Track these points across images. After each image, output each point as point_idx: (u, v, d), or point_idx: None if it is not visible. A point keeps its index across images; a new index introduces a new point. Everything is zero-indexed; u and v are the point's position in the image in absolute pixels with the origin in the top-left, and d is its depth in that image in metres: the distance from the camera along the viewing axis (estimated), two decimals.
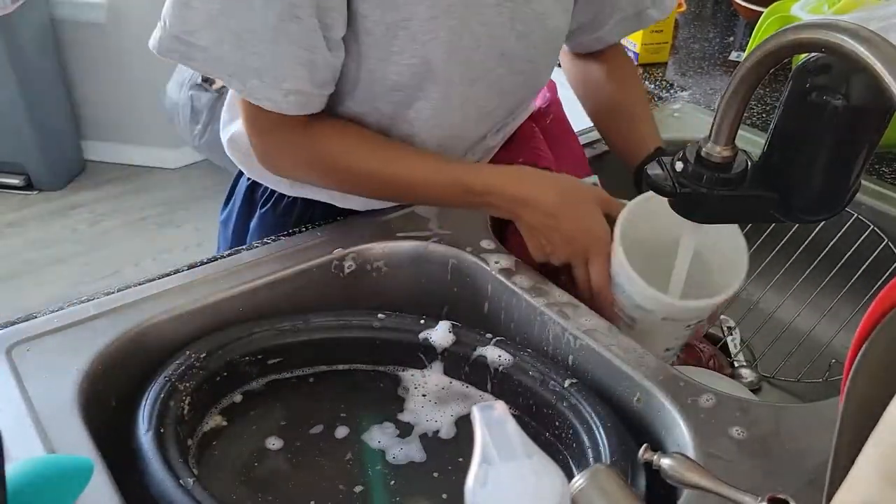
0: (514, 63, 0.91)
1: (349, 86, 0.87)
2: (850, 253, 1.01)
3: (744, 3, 1.56)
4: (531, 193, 0.85)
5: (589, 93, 1.07)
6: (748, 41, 1.25)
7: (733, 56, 1.49)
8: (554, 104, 1.11)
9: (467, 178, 0.87)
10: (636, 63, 1.45)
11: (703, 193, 0.69)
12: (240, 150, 0.99)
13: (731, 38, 1.59)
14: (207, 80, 1.12)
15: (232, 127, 0.99)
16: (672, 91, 1.36)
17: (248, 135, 0.89)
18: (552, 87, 1.12)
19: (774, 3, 1.24)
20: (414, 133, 0.92)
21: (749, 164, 0.69)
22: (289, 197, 1.00)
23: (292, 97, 0.82)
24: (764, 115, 1.26)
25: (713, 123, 0.67)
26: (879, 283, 0.97)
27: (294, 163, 0.91)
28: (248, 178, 1.04)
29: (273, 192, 1.01)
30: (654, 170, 0.71)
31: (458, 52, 0.86)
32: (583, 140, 1.13)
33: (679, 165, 0.69)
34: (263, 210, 1.02)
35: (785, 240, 1.05)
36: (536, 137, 1.04)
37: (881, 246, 1.00)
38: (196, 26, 0.78)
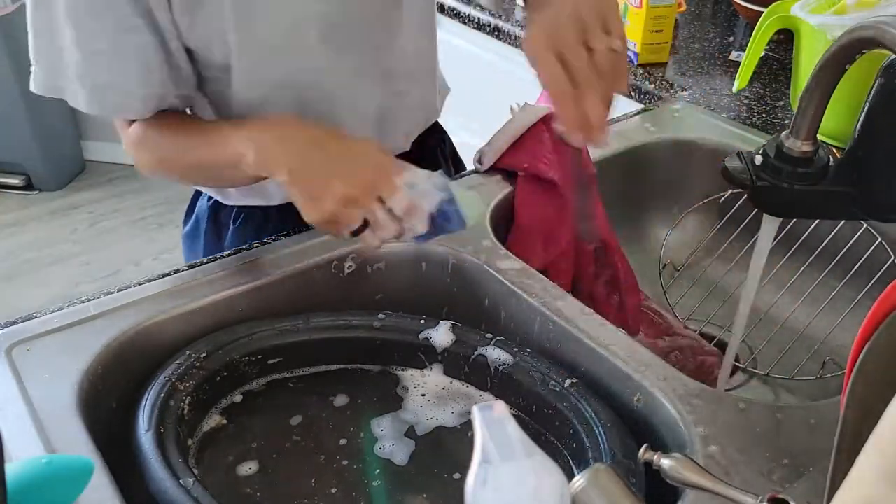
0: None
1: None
2: (844, 251, 1.02)
3: (744, 3, 1.56)
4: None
5: None
6: (748, 41, 1.25)
7: (733, 56, 1.49)
8: None
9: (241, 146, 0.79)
10: (636, 63, 1.45)
11: (781, 187, 0.68)
12: None
13: (731, 38, 1.59)
14: None
15: None
16: (672, 91, 1.36)
17: (124, 144, 0.89)
18: None
19: (774, 3, 1.23)
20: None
21: (831, 159, 0.69)
22: (259, 211, 1.00)
23: (151, 102, 0.83)
24: (764, 115, 1.26)
25: (794, 118, 0.67)
26: (873, 280, 0.98)
27: (149, 161, 0.90)
28: (210, 198, 1.04)
29: (241, 209, 1.01)
30: (732, 162, 0.71)
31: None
32: None
33: (758, 159, 0.69)
34: (236, 225, 1.02)
35: (780, 238, 1.05)
36: (544, 145, 1.03)
37: (875, 244, 1.01)
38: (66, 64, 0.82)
